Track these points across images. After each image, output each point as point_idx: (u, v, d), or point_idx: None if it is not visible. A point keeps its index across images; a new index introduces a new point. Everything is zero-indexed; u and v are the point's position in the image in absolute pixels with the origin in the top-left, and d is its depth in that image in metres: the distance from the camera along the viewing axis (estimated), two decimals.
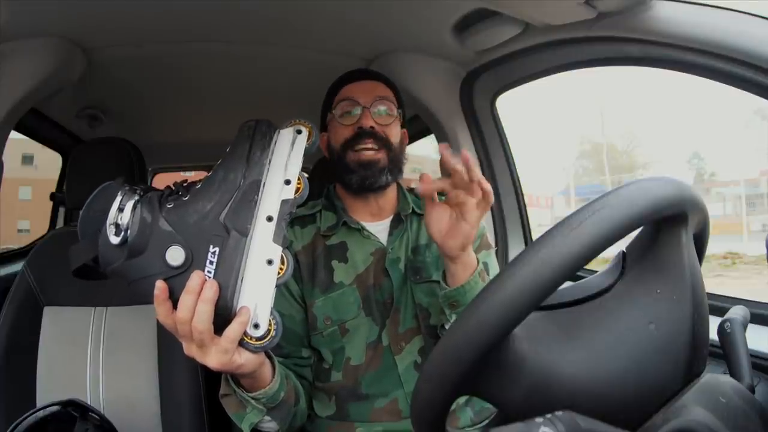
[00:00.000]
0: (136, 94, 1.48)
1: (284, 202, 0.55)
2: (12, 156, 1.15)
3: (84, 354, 1.02)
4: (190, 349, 0.54)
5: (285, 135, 0.59)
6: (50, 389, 0.99)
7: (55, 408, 0.85)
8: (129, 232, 0.53)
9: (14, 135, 1.17)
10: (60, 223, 1.88)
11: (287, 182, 0.56)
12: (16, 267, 1.35)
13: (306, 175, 0.58)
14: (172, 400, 1.01)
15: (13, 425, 0.81)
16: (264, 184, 0.55)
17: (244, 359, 0.55)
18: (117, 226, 0.53)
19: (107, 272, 0.55)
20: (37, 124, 1.52)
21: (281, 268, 0.54)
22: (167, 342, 1.02)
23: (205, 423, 1.01)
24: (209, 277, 0.52)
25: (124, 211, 0.53)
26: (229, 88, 1.49)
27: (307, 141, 0.59)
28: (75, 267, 0.57)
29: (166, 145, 2.01)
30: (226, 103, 1.59)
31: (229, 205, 0.53)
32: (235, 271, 0.52)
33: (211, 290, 0.51)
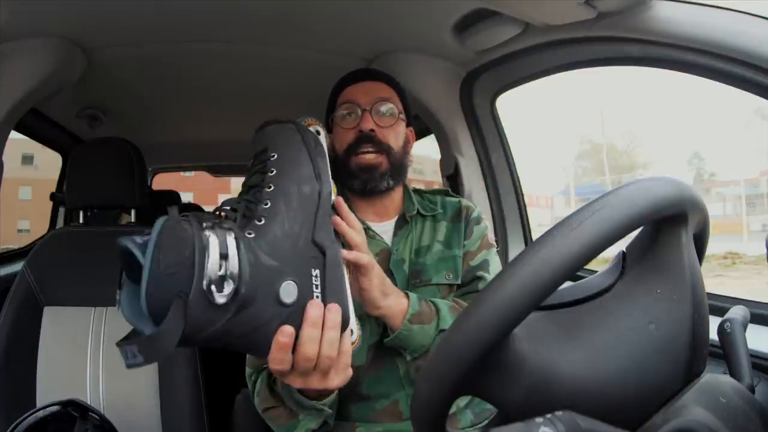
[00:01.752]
0: (136, 94, 1.48)
1: (331, 206, 0.54)
2: (12, 156, 1.15)
3: (84, 354, 1.02)
4: (309, 382, 0.49)
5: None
6: (50, 389, 0.99)
7: (55, 408, 0.85)
8: (241, 281, 0.42)
9: (14, 135, 1.17)
10: (60, 223, 1.89)
11: None
12: (16, 267, 1.35)
13: None
14: (172, 400, 1.01)
15: (13, 425, 0.81)
16: (330, 192, 0.54)
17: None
18: (222, 279, 0.41)
19: (195, 341, 0.42)
20: (37, 124, 1.52)
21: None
22: None
23: (205, 423, 1.01)
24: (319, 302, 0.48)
25: (229, 257, 0.42)
26: (229, 88, 1.49)
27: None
28: (152, 360, 0.40)
29: (166, 145, 2.02)
30: (226, 103, 1.59)
31: (315, 221, 0.50)
32: (342, 287, 0.50)
33: (338, 315, 0.48)
